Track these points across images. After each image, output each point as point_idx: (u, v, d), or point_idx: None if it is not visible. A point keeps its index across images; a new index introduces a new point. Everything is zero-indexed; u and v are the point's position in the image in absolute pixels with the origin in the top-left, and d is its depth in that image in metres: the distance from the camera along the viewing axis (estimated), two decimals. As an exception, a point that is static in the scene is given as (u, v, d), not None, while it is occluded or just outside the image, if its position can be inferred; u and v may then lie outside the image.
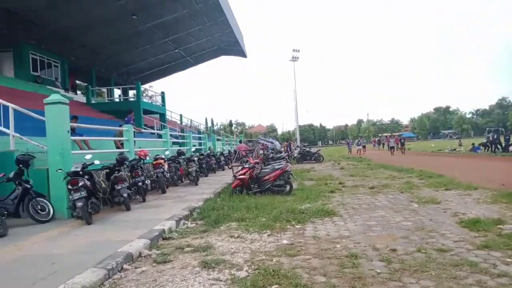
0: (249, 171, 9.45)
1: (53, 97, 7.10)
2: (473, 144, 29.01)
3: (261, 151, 21.83)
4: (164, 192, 9.87)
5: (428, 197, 7.79)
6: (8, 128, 7.35)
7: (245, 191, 9.18)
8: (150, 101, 25.89)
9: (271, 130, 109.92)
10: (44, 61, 22.30)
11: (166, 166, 10.72)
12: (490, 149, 24.08)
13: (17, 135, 7.40)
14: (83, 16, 20.47)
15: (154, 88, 33.36)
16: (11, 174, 6.38)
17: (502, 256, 3.96)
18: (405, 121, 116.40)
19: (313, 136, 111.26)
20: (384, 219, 6.08)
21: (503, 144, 22.91)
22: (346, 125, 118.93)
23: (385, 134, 67.52)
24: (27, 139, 7.51)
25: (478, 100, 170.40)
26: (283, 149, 26.29)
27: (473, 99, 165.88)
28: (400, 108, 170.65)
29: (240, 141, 35.64)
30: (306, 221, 6.07)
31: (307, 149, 26.48)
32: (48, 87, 20.18)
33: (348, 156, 30.47)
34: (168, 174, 10.94)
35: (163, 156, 11.12)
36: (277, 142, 29.59)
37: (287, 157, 17.51)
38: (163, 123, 23.39)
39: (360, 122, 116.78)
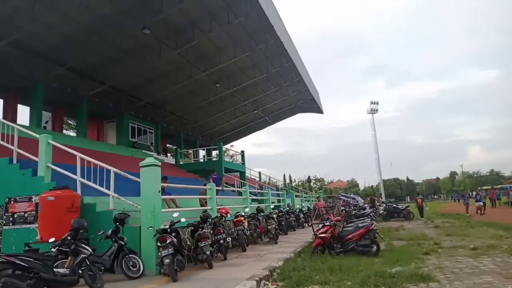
0: (330, 229, 9.02)
1: (148, 160, 7.88)
2: None
3: (342, 208, 20.87)
4: (244, 250, 9.86)
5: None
6: (109, 189, 8.25)
7: (327, 251, 8.72)
8: (231, 160, 27.22)
9: (352, 185, 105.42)
10: (140, 128, 25.46)
11: (246, 224, 10.81)
12: None
13: (116, 195, 8.23)
14: (173, 88, 23.33)
15: (234, 147, 35.30)
16: (109, 232, 7.02)
17: None
18: (507, 172, 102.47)
19: (399, 191, 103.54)
20: (492, 286, 5.20)
21: None
22: (438, 178, 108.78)
23: (485, 188, 59.87)
24: (124, 199, 8.30)
25: None
26: (366, 205, 24.77)
27: None
28: (499, 157, 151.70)
29: (318, 198, 34.79)
30: (397, 287, 5.46)
31: (394, 205, 24.56)
32: (143, 151, 22.69)
33: (457, 215, 23.33)
34: (248, 232, 10.98)
35: (243, 214, 11.29)
36: (359, 198, 28.08)
37: (371, 214, 16.42)
38: (242, 181, 24.13)
39: (453, 174, 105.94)
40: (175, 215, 7.71)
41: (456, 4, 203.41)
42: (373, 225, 9.16)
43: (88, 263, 5.82)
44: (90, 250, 6.02)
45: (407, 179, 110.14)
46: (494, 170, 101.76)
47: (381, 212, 23.05)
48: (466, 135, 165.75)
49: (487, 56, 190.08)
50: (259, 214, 12.70)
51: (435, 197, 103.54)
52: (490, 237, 10.89)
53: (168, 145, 33.12)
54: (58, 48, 16.94)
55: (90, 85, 20.44)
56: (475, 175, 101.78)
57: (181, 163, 25.30)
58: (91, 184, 8.43)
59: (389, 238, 11.79)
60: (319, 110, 36.42)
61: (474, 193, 25.55)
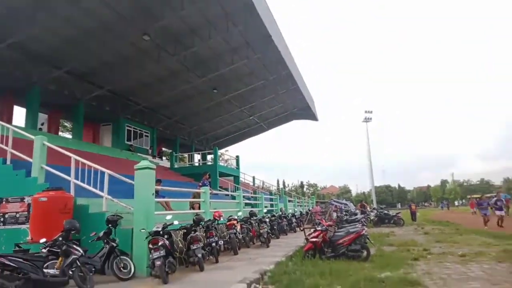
0: (322, 234, 9.13)
1: (143, 163, 7.92)
2: None
3: (334, 213, 21.02)
4: (236, 253, 9.90)
5: (535, 269, 6.65)
6: (103, 191, 8.27)
7: (318, 255, 8.80)
8: (225, 165, 27.34)
9: (345, 191, 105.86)
10: (137, 132, 25.51)
11: (238, 227, 10.86)
12: None
13: (109, 197, 8.25)
14: (171, 93, 23.41)
15: (229, 152, 35.39)
16: (101, 233, 7.02)
17: None
18: (497, 181, 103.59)
19: (391, 197, 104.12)
20: (480, 293, 5.31)
21: None
22: (429, 186, 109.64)
23: (474, 196, 60.41)
24: (117, 201, 8.32)
25: None
26: (358, 211, 24.99)
27: None
28: (490, 167, 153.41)
29: (316, 203, 34.85)
30: (386, 291, 5.56)
31: (385, 212, 24.78)
32: (139, 154, 22.69)
33: (446, 222, 22.60)
34: (241, 235, 11.03)
35: (236, 217, 11.34)
36: (351, 204, 28.29)
37: (363, 220, 16.57)
38: (236, 185, 24.19)
39: (444, 182, 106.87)
40: (168, 217, 7.76)
41: None
42: (364, 231, 9.27)
43: (79, 264, 5.82)
44: (81, 251, 6.03)
45: (399, 186, 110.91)
46: (484, 179, 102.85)
47: (372, 218, 23.24)
48: (459, 145, 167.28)
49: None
50: (252, 218, 12.77)
51: (425, 204, 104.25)
52: (478, 244, 11.05)
53: (163, 148, 33.14)
54: (56, 51, 16.91)
55: (88, 89, 20.42)
56: (465, 184, 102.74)
57: (176, 166, 25.36)
58: (85, 185, 8.43)
59: (379, 243, 11.91)
60: (314, 117, 36.66)
61: (494, 199, 18.70)
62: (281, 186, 73.96)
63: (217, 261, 8.62)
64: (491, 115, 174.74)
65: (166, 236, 7.03)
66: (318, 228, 9.48)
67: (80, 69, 18.68)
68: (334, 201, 30.57)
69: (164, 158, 30.69)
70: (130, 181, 8.11)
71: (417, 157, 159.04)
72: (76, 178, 8.47)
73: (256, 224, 12.59)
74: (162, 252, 6.48)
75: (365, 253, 8.75)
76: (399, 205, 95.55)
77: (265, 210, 18.25)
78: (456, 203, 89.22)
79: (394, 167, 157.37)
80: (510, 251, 9.13)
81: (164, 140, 31.04)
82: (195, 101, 26.18)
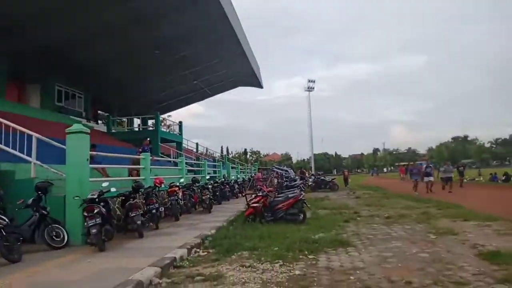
0: (262, 199, 9.44)
1: (75, 127, 7.39)
2: (490, 174, 28.45)
3: (275, 180, 21.77)
4: (177, 219, 9.90)
5: (446, 228, 7.57)
6: (31, 156, 7.62)
7: (258, 220, 9.13)
8: (168, 130, 26.51)
9: (286, 158, 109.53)
10: (68, 92, 23.33)
11: (180, 194, 10.81)
12: None
13: (38, 163, 7.65)
14: (107, 51, 21.52)
15: (172, 117, 34.30)
16: (30, 201, 6.55)
17: (524, 291, 3.78)
18: (422, 150, 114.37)
19: (328, 164, 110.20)
20: (400, 250, 5.92)
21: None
22: (362, 154, 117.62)
23: (402, 164, 66.25)
24: (47, 166, 7.75)
25: (496, 128, 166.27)
26: (297, 177, 26.17)
27: (491, 127, 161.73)
28: (417, 137, 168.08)
29: (258, 169, 35.61)
30: (319, 252, 5.96)
31: (322, 178, 26.25)
32: (71, 117, 21.00)
33: (375, 187, 25.28)
34: (182, 202, 11.00)
35: (177, 184, 11.23)
36: (291, 171, 29.45)
37: (301, 186, 17.38)
38: (179, 151, 23.76)
39: (376, 151, 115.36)
40: (104, 184, 7.43)
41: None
42: (302, 196, 9.76)
43: (4, 233, 5.43)
44: (7, 220, 5.62)
45: (335, 154, 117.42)
46: (411, 148, 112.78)
47: (310, 183, 24.51)
48: (392, 116, 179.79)
49: (415, 42, 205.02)
50: (194, 185, 12.75)
51: (358, 171, 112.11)
52: (402, 207, 12.20)
53: (99, 111, 31.02)
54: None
55: (11, 43, 18.01)
56: (394, 152, 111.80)
57: (113, 131, 24.04)
58: (9, 149, 7.72)
59: (315, 207, 12.64)
60: (259, 84, 36.65)
61: (425, 165, 19.48)
62: (224, 153, 74.24)
63: (157, 228, 8.56)
64: (416, 89, 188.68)
65: (102, 204, 6.76)
66: (259, 194, 9.79)
67: (0, 22, 16.37)
68: (276, 167, 31.54)
69: (100, 121, 28.80)
70: (61, 145, 7.56)
71: (353, 126, 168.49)
72: (-1, 141, 7.69)
73: (199, 190, 12.62)
74: (98, 220, 6.24)
75: (302, 216, 9.24)
76: (335, 172, 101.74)
77: (208, 177, 18.32)
78: (385, 170, 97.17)
79: (332, 136, 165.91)
80: (428, 213, 10.25)
81: (101, 102, 28.80)
82: (135, 61, 24.45)
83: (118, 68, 24.59)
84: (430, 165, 20.48)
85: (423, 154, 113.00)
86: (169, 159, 19.87)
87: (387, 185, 27.12)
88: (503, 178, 25.23)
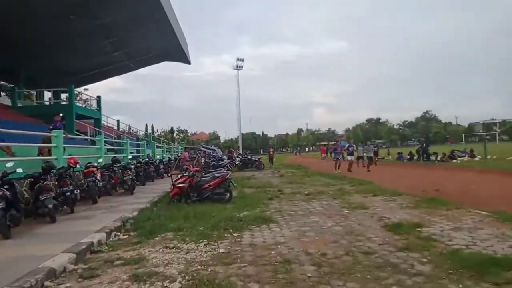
0: (188, 180, 9.33)
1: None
2: (398, 153, 31.77)
3: (202, 159, 21.61)
4: (95, 202, 9.29)
5: (358, 203, 8.31)
6: None
7: (184, 200, 9.03)
8: (84, 105, 24.42)
9: (214, 137, 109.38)
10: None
11: (98, 175, 10.11)
12: (420, 157, 26.07)
13: None
14: (12, 11, 18.68)
15: (89, 92, 31.58)
16: None
17: (419, 257, 4.33)
18: (340, 131, 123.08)
19: (255, 144, 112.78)
20: (318, 225, 6.35)
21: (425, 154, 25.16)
22: (287, 134, 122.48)
23: (323, 143, 70.64)
24: None
25: (406, 112, 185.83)
26: (225, 157, 26.35)
27: (402, 111, 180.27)
28: (336, 118, 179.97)
29: (185, 149, 34.90)
30: (244, 229, 6.12)
31: (249, 157, 26.80)
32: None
33: (298, 166, 26.76)
34: (101, 183, 10.32)
35: (95, 164, 10.49)
36: (219, 150, 29.51)
37: (229, 165, 17.55)
38: (97, 129, 22.11)
39: (300, 131, 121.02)
40: (8, 165, 6.62)
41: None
42: (228, 175, 9.85)
43: None
44: None
45: (262, 133, 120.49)
46: (331, 129, 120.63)
47: (237, 163, 24.87)
48: (315, 98, 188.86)
49: (339, 28, 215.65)
50: (114, 165, 12.04)
51: (283, 150, 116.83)
52: (321, 184, 13.08)
53: (2, 82, 27.21)
54: None
55: None
56: (316, 133, 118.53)
57: (19, 105, 21.39)
58: None
59: (241, 186, 12.92)
60: (186, 60, 35.36)
61: (347, 145, 20.58)
62: (149, 131, 71.27)
63: (72, 212, 7.95)
64: (338, 73, 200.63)
65: (6, 186, 6.03)
66: (185, 174, 9.64)
67: None
68: (203, 147, 31.31)
69: (3, 94, 25.34)
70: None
71: (280, 107, 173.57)
72: None
73: (120, 171, 11.96)
74: (2, 204, 5.58)
75: (228, 195, 9.37)
76: (261, 151, 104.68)
77: (130, 157, 17.48)
78: (307, 149, 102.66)
79: (260, 115, 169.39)
80: (343, 189, 11.14)
81: (4, 71, 25.18)
82: (46, 27, 21.62)
83: (26, 31, 21.57)
84: (352, 144, 22.00)
85: (341, 134, 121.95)
86: (85, 137, 18.40)
87: (309, 164, 28.73)
88: (408, 157, 28.34)
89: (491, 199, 8.26)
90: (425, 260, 4.21)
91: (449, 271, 3.79)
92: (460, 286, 3.42)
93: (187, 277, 3.91)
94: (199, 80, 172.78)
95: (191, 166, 12.21)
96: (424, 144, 26.51)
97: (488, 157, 22.13)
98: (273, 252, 4.78)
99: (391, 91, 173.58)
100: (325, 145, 44.72)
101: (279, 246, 5.05)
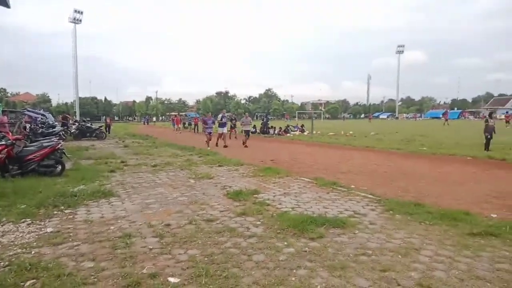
0: (6, 149, 7.75)
1: None
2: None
3: (27, 125, 18.30)
4: None
5: (204, 173, 8.59)
6: None
7: (1, 174, 7.52)
8: None
9: (43, 100, 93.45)
10: None
11: None
12: (262, 131, 28.45)
13: None
14: None
15: None
16: None
17: (254, 220, 4.83)
18: (191, 102, 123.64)
19: (96, 110, 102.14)
20: (163, 196, 6.30)
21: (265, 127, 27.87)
22: (134, 102, 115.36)
23: (173, 113, 69.56)
24: None
25: (252, 89, 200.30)
26: (57, 123, 22.98)
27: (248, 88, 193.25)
28: (187, 89, 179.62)
29: (3, 112, 28.48)
30: (78, 205, 5.56)
31: (88, 125, 24.03)
32: None
33: (146, 136, 24.89)
34: None
35: None
36: (50, 115, 25.50)
37: (61, 133, 15.40)
38: None
39: (148, 99, 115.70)
40: None
41: None
42: (60, 145, 8.67)
43: None
44: None
45: (105, 99, 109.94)
46: (182, 99, 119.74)
47: (73, 131, 22.07)
48: (166, 66, 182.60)
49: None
50: None
51: (130, 118, 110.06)
52: (169, 155, 12.88)
53: None
54: None
55: None
56: (166, 102, 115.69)
57: None
58: None
59: (77, 157, 11.59)
60: (4, 2, 28.57)
61: (220, 115, 17.81)
62: None
63: None
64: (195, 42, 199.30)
65: None
66: (1, 143, 7.96)
67: None
68: (28, 110, 26.48)
69: None
70: None
71: (126, 71, 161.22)
72: None
73: None
74: None
75: (59, 168, 8.28)
76: (104, 118, 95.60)
77: None
78: (154, 118, 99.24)
79: (103, 79, 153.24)
80: (191, 160, 11.30)
81: None
82: None
83: None
84: (225, 115, 18.86)
85: (191, 105, 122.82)
86: None
87: (158, 134, 27.89)
88: (253, 130, 30.79)
89: (314, 167, 9.85)
90: (258, 223, 4.72)
91: (277, 231, 4.36)
92: (285, 243, 3.99)
93: (1, 264, 3.32)
94: (24, 29, 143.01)
95: (10, 134, 10.17)
96: (265, 119, 29.27)
97: (314, 132, 26.22)
98: (112, 227, 4.51)
99: (238, 69, 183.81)
100: (180, 115, 43.29)
101: (119, 221, 4.79)
